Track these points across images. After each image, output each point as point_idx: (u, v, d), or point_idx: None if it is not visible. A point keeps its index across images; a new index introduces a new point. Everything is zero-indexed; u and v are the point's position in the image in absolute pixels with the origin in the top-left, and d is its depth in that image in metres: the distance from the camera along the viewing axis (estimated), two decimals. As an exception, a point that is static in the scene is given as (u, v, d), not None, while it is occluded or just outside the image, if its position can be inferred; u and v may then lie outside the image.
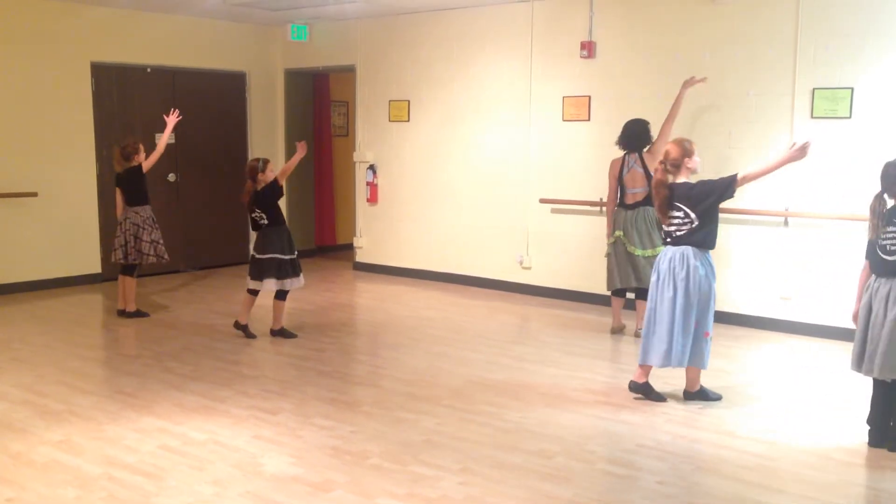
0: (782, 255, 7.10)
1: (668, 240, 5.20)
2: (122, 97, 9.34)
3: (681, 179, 5.14)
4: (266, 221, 6.62)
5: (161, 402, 5.20)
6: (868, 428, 4.62)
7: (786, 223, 7.06)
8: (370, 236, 10.09)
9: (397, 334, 7.10)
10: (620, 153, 6.81)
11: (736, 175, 5.00)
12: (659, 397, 5.30)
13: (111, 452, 4.40)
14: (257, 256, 6.66)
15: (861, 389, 5.26)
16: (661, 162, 5.16)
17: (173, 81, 9.74)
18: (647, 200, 6.54)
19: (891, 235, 4.41)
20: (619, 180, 6.74)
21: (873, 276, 4.52)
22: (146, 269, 8.01)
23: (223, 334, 6.96)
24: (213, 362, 6.11)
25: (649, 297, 5.28)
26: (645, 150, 6.69)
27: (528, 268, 8.69)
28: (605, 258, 6.94)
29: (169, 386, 5.54)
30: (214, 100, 10.19)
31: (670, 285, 5.11)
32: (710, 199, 5.03)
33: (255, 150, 10.51)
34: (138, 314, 7.54)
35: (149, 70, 9.52)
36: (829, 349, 6.54)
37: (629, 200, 6.71)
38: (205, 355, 6.30)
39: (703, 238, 5.09)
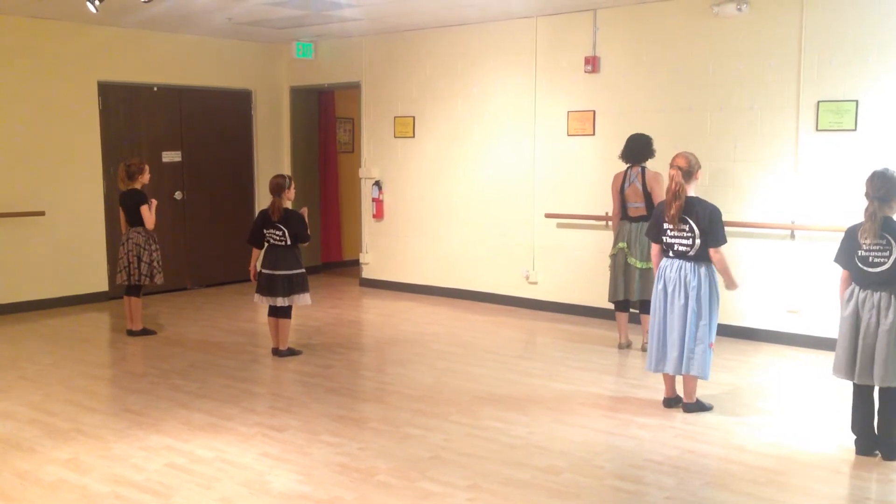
0: (789, 269, 7.08)
1: (671, 253, 5.23)
2: (129, 116, 9.39)
3: (691, 192, 5.18)
4: (288, 242, 6.58)
5: (168, 420, 5.20)
6: (854, 437, 4.64)
7: (792, 236, 7.05)
8: (376, 252, 10.10)
9: (404, 350, 7.09)
10: (625, 167, 6.81)
11: (724, 244, 5.16)
12: (709, 406, 5.39)
13: (118, 471, 4.40)
14: (275, 273, 6.57)
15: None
16: (677, 168, 5.15)
17: (180, 100, 9.80)
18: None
19: (875, 248, 4.43)
20: (620, 193, 6.74)
21: (856, 287, 4.58)
22: (152, 288, 8.02)
23: (230, 352, 6.96)
24: (219, 380, 6.11)
25: (656, 306, 5.30)
26: (646, 164, 6.69)
27: (535, 283, 8.68)
28: (609, 270, 6.94)
29: (176, 404, 5.54)
30: (221, 118, 10.24)
31: (682, 293, 5.15)
32: (708, 233, 5.11)
33: (261, 168, 10.55)
34: (145, 332, 7.55)
35: (155, 89, 9.58)
36: (838, 362, 6.50)
37: (632, 213, 6.71)
38: (212, 373, 6.30)
39: (704, 253, 5.17)
